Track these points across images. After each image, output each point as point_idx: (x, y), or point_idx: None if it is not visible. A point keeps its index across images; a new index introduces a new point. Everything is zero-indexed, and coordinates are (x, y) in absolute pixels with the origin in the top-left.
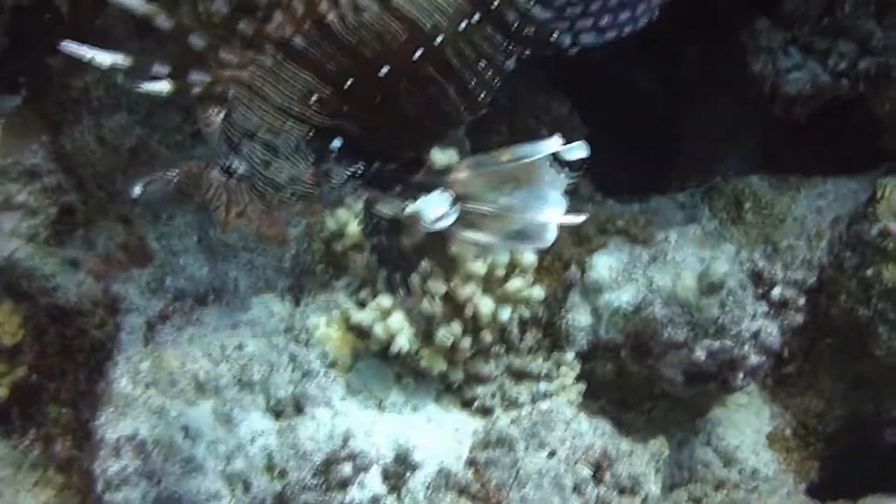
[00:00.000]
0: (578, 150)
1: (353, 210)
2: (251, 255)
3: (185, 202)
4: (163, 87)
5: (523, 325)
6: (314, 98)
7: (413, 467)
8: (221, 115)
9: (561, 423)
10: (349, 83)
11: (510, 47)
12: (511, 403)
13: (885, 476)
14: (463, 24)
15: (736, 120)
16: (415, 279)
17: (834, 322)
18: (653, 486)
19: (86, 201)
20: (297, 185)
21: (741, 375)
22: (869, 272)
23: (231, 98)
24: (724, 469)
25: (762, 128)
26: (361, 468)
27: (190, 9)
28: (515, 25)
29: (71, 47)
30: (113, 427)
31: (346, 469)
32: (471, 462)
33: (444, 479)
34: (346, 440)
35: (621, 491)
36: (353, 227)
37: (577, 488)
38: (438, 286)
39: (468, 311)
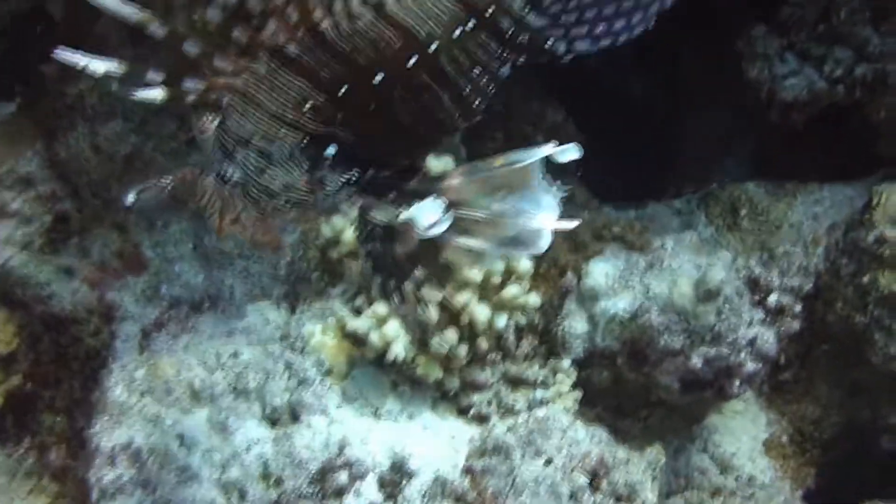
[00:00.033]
0: (571, 153)
1: (349, 217)
2: (247, 263)
3: (180, 210)
4: (157, 94)
5: (519, 332)
6: (308, 105)
7: (409, 475)
8: (215, 123)
9: (557, 430)
10: (343, 90)
11: (504, 54)
12: (507, 411)
13: (881, 483)
14: (457, 32)
15: (732, 126)
16: (408, 286)
17: (830, 329)
18: (649, 494)
19: (80, 209)
20: (292, 193)
21: (737, 383)
22: (865, 279)
23: (225, 105)
24: (720, 476)
25: (758, 134)
26: (357, 476)
27: (184, 16)
28: (510, 33)
29: (65, 55)
30: (108, 435)
31: (342, 477)
32: (467, 470)
33: (440, 488)
34: (341, 448)
35: (618, 499)
36: (349, 235)
37: (573, 496)
38: (432, 294)
39: (464, 319)
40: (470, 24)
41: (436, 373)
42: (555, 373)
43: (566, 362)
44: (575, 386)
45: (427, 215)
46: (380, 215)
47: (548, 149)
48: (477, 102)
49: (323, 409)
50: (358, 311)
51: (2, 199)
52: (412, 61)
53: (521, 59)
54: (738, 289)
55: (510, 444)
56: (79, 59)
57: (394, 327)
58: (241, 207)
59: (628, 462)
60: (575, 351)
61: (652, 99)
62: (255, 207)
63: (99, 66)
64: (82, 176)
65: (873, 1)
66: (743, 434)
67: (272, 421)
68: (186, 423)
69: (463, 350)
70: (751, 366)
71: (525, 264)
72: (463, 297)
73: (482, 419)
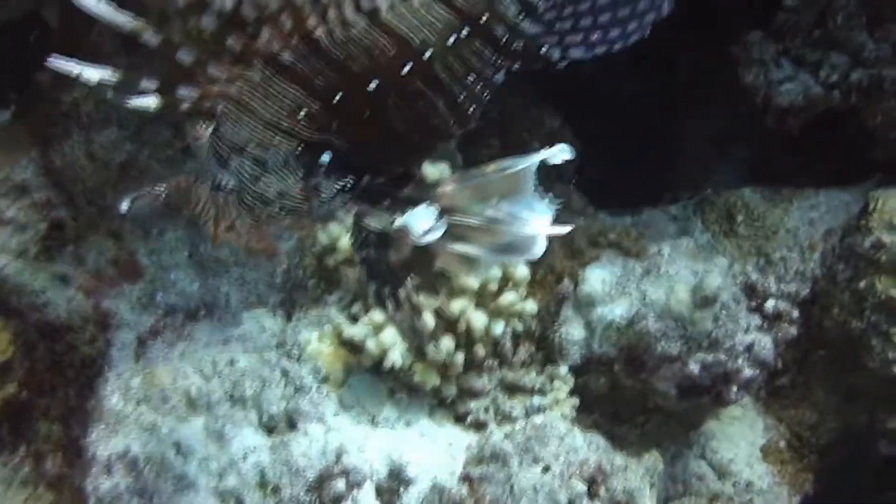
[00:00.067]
0: (563, 153)
1: (345, 224)
2: (242, 270)
3: (175, 217)
4: (151, 102)
5: (516, 338)
6: (303, 113)
7: (406, 483)
8: (210, 130)
9: (555, 437)
10: (338, 98)
11: (499, 61)
12: (505, 418)
13: (879, 487)
14: (451, 39)
15: (728, 131)
16: (402, 294)
17: (827, 334)
18: (647, 501)
19: (76, 217)
20: (286, 200)
21: (735, 389)
22: (862, 284)
23: (220, 113)
24: (718, 482)
25: (754, 139)
26: (355, 484)
27: (179, 24)
28: (504, 40)
29: (58, 63)
30: (104, 444)
31: (340, 485)
32: (465, 477)
33: (437, 495)
34: (339, 456)
35: None
36: (345, 242)
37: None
38: (427, 301)
39: (461, 326)
40: (464, 32)
41: (433, 380)
42: (552, 379)
43: (563, 369)
44: (572, 393)
45: (421, 222)
46: (374, 222)
47: (541, 155)
48: (472, 109)
49: (320, 417)
50: (354, 319)
51: None
52: (407, 69)
53: (516, 66)
54: (735, 295)
55: (508, 451)
56: (72, 67)
57: (390, 335)
58: (236, 215)
59: (626, 469)
60: (572, 357)
61: (648, 104)
62: (250, 215)
63: (93, 74)
64: (77, 184)
65: (868, 7)
66: (740, 440)
67: (269, 429)
68: (183, 431)
69: (460, 357)
70: (748, 372)
71: (522, 271)
72: (459, 304)
73: (479, 426)
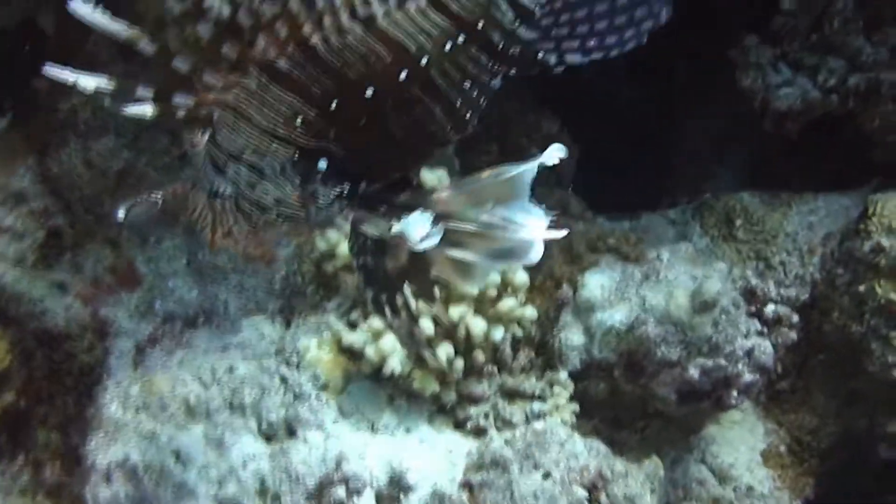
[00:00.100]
0: (557, 153)
1: (344, 230)
2: (241, 277)
3: (172, 224)
4: (147, 110)
5: (516, 344)
6: (299, 120)
7: (407, 490)
8: (206, 137)
9: (555, 443)
10: (334, 105)
11: (495, 67)
12: (505, 424)
13: (879, 491)
14: (448, 46)
15: (726, 136)
16: (399, 300)
17: (827, 338)
18: None
19: (73, 225)
20: (283, 207)
21: (735, 393)
22: (862, 288)
23: (216, 120)
24: (718, 487)
25: (752, 143)
26: (355, 491)
27: (175, 32)
28: (501, 46)
29: (54, 71)
30: (103, 452)
31: (340, 492)
32: (465, 484)
33: (437, 502)
34: (338, 463)
35: None
36: (344, 248)
37: None
38: (423, 308)
39: (460, 331)
40: (460, 38)
41: (432, 386)
42: (552, 385)
43: (563, 374)
44: (572, 398)
45: (416, 228)
46: (371, 229)
47: (537, 161)
48: (469, 115)
49: (319, 424)
50: (353, 325)
51: None
52: (403, 75)
53: (512, 71)
54: (735, 300)
55: (508, 457)
56: (68, 75)
57: (390, 341)
58: (233, 221)
59: (627, 475)
60: (572, 363)
61: (646, 109)
62: (247, 221)
63: (88, 82)
64: (75, 191)
65: (866, 10)
66: (741, 444)
67: (268, 436)
68: (182, 439)
69: (459, 363)
70: (748, 376)
71: (521, 276)
72: (458, 310)
73: (479, 432)
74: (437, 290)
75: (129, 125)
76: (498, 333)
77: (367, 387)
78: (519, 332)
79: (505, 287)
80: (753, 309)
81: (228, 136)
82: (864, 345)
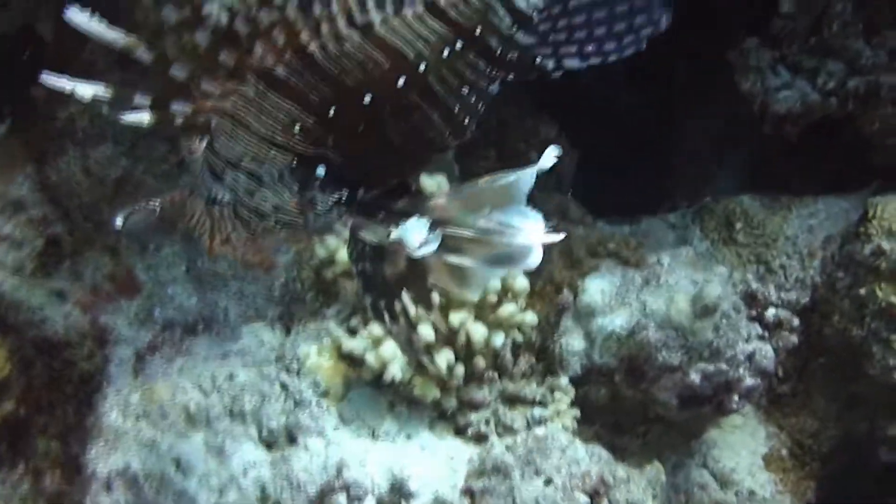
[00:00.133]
0: (553, 154)
1: (343, 237)
2: (241, 284)
3: (170, 232)
4: (144, 117)
5: (516, 350)
6: (297, 127)
7: (408, 497)
8: (204, 145)
9: (557, 449)
10: (332, 112)
11: (493, 72)
12: (506, 430)
13: (880, 494)
14: (446, 52)
15: (726, 139)
16: (398, 307)
17: (827, 342)
18: None
19: (72, 232)
20: (282, 214)
21: (736, 398)
22: (862, 291)
23: (214, 128)
24: (720, 491)
25: (752, 146)
26: (356, 498)
27: (173, 40)
28: (498, 51)
29: (51, 79)
30: (104, 461)
31: (341, 500)
32: (466, 490)
33: None
34: (339, 470)
35: None
36: (343, 255)
37: None
38: (423, 314)
39: (461, 337)
40: (458, 45)
41: (433, 392)
42: (552, 391)
43: (564, 380)
44: (573, 404)
45: (414, 235)
46: (370, 235)
47: (534, 168)
48: (467, 120)
49: (320, 431)
50: (353, 332)
51: None
52: (401, 82)
53: (510, 77)
54: (736, 304)
55: (509, 463)
56: (65, 83)
57: (390, 348)
58: (232, 228)
59: (628, 480)
60: (572, 368)
61: (645, 112)
62: (245, 228)
63: (85, 90)
64: (73, 199)
65: (865, 14)
66: (742, 448)
67: (269, 444)
68: (182, 447)
69: (460, 369)
70: (750, 381)
71: (521, 282)
72: (459, 316)
73: (480, 438)
74: (436, 297)
75: (128, 133)
76: (498, 339)
77: (368, 393)
78: (519, 338)
79: (505, 293)
80: (754, 313)
81: (226, 143)
82: (865, 348)
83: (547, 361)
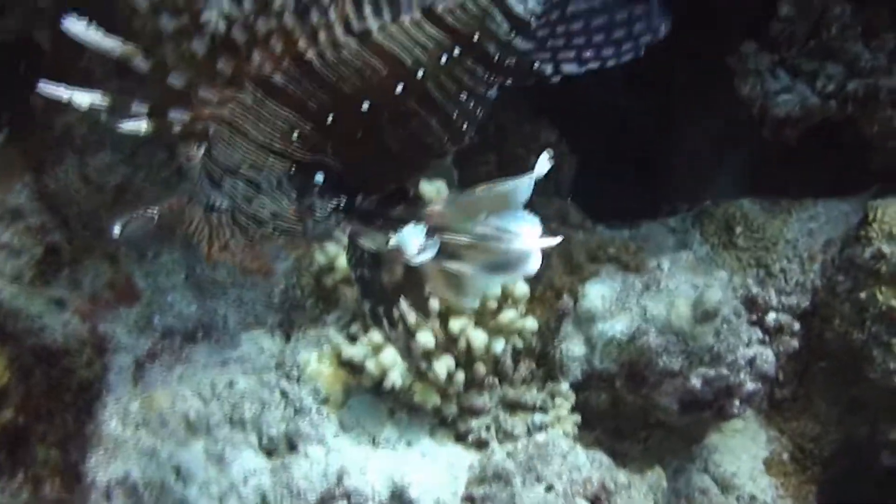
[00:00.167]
0: (547, 160)
1: (343, 243)
2: (240, 291)
3: (169, 239)
4: (142, 125)
5: (517, 355)
6: (296, 134)
7: None
8: (202, 152)
9: (557, 455)
10: (330, 119)
11: (491, 78)
12: (506, 436)
13: (881, 498)
14: (443, 59)
15: (725, 142)
16: (396, 313)
17: (828, 345)
18: None
19: (71, 240)
20: (280, 221)
21: (737, 403)
22: (863, 295)
23: (212, 135)
24: (721, 496)
25: (752, 150)
26: None
27: (171, 48)
28: (496, 57)
29: (48, 88)
30: (103, 469)
31: None
32: (467, 498)
33: None
34: (340, 478)
35: None
36: (343, 261)
37: None
38: (422, 321)
39: (461, 343)
40: (456, 51)
41: (433, 399)
42: (553, 396)
43: (564, 385)
44: (574, 409)
45: (412, 241)
46: (368, 242)
47: (531, 176)
48: (465, 126)
49: (320, 439)
50: (353, 338)
51: None
52: (399, 88)
53: (509, 82)
54: (736, 308)
55: (510, 470)
56: (62, 92)
57: (390, 355)
58: (230, 235)
59: (630, 486)
60: (573, 374)
61: (644, 117)
62: (244, 235)
63: (83, 98)
64: (72, 207)
65: (863, 16)
66: (743, 453)
67: (269, 451)
68: (182, 455)
69: (460, 375)
70: (750, 385)
71: (521, 288)
72: (459, 323)
73: (481, 445)
74: (435, 304)
75: (127, 140)
76: (499, 345)
77: (368, 400)
78: (520, 344)
79: (505, 298)
80: (755, 317)
81: (225, 150)
82: (866, 352)
83: (547, 367)
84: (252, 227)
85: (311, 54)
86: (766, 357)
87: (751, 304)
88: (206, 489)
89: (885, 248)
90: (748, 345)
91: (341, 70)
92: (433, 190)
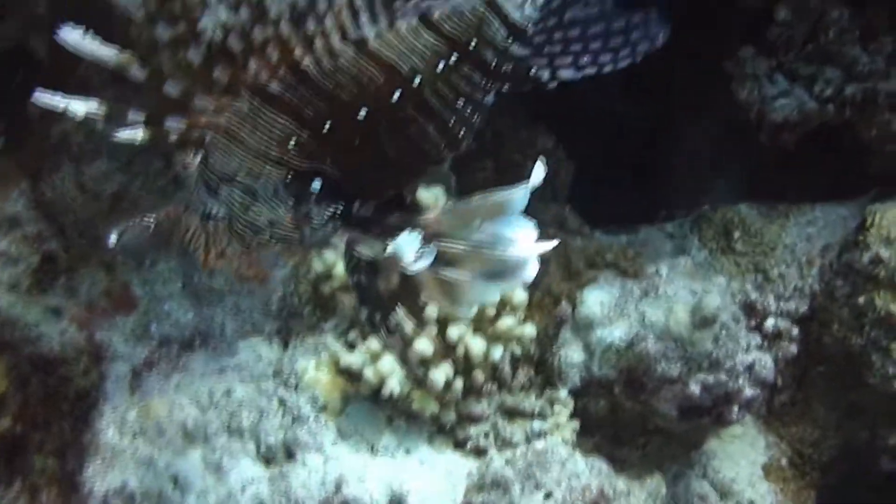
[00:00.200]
0: (541, 168)
1: (340, 251)
2: (237, 299)
3: (167, 248)
4: (138, 134)
5: (515, 362)
6: (292, 142)
7: None
8: (198, 160)
9: (556, 463)
10: (327, 127)
11: (488, 84)
12: (505, 443)
13: (880, 502)
14: (440, 65)
15: (723, 147)
16: (393, 321)
17: (827, 350)
18: None
19: (67, 249)
20: (277, 228)
21: (736, 409)
22: (861, 300)
23: (208, 143)
24: (721, 502)
25: (749, 155)
26: None
27: (167, 56)
28: (493, 63)
29: (44, 97)
30: (101, 479)
31: None
32: None
33: None
34: (338, 486)
35: None
36: (341, 269)
37: None
38: (419, 329)
39: (459, 351)
40: (453, 58)
41: (431, 406)
42: (552, 403)
43: (563, 392)
44: (572, 416)
45: (408, 249)
46: (366, 250)
47: (528, 185)
48: (462, 133)
49: (318, 447)
50: (351, 346)
51: None
52: (396, 96)
53: (505, 87)
54: (735, 314)
55: (509, 477)
56: (58, 101)
57: (388, 362)
58: (226, 242)
59: (629, 493)
60: (571, 380)
61: (641, 121)
62: (241, 243)
63: (79, 107)
64: (69, 215)
65: (861, 20)
66: (742, 458)
67: (267, 459)
68: (180, 464)
69: (459, 383)
70: (749, 391)
71: (519, 295)
72: (457, 330)
73: (480, 452)
74: (434, 311)
75: (123, 149)
76: (497, 352)
77: (366, 408)
78: (518, 351)
79: (503, 305)
80: (753, 323)
81: (221, 158)
82: (865, 357)
83: (546, 374)
84: (249, 234)
85: (307, 62)
86: (765, 363)
87: (749, 309)
88: (203, 498)
89: (884, 253)
90: (747, 350)
91: (338, 78)
92: (431, 196)
